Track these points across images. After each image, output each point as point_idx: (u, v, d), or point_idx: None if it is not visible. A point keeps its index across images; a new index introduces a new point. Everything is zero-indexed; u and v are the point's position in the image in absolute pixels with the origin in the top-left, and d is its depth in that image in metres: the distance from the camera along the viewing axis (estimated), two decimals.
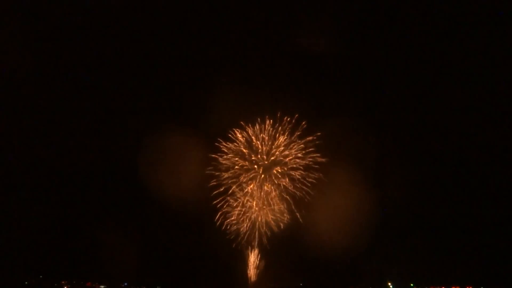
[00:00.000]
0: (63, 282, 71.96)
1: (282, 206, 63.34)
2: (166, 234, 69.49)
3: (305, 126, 63.43)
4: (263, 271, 66.42)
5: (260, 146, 64.33)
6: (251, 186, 64.18)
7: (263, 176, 64.27)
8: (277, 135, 64.09)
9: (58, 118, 71.80)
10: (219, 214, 64.08)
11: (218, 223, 64.25)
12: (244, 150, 64.35)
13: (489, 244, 62.56)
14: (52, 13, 67.77)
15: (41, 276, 72.09)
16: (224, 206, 64.21)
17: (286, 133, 63.91)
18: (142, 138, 67.76)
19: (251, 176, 64.42)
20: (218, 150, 65.02)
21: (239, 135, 64.51)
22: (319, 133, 63.27)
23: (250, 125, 64.20)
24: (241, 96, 62.34)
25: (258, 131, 64.15)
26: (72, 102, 71.47)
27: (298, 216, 62.89)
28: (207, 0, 69.16)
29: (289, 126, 63.69)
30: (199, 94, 67.86)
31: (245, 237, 64.71)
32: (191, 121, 65.50)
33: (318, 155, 63.32)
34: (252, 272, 66.50)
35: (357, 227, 61.32)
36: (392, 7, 67.97)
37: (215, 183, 64.28)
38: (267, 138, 64.22)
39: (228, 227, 64.46)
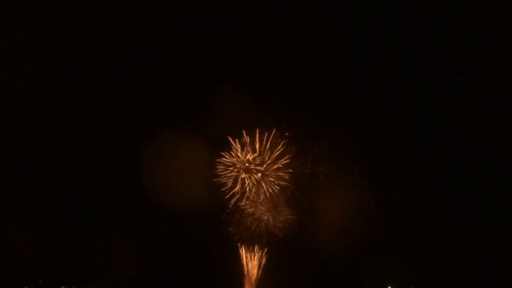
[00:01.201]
0: (63, 287, 71.49)
1: (288, 211, 63.96)
2: (167, 239, 69.49)
3: (308, 134, 64.36)
4: (264, 274, 66.76)
5: (265, 155, 64.91)
6: (255, 191, 64.65)
7: (269, 181, 64.77)
8: (281, 144, 64.80)
9: (59, 120, 71.42)
10: (223, 218, 64.55)
11: (222, 228, 64.76)
12: (250, 158, 64.71)
13: (490, 247, 63.31)
14: (52, 15, 67.47)
15: (40, 281, 71.58)
16: (230, 212, 64.83)
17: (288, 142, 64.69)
18: (143, 142, 67.91)
19: (256, 181, 64.91)
20: (223, 156, 65.46)
21: (245, 140, 64.97)
22: (326, 142, 64.09)
23: (254, 134, 64.80)
24: (246, 105, 62.90)
25: (264, 141, 64.68)
26: (74, 105, 71.41)
27: (305, 222, 63.54)
28: (215, 7, 69.20)
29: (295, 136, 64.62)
30: (206, 103, 67.92)
31: (249, 241, 65.24)
32: (196, 128, 65.74)
33: (323, 168, 64.15)
34: (253, 275, 66.77)
35: (356, 230, 62.03)
36: (388, 11, 68.87)
37: (219, 188, 64.71)
38: (272, 146, 64.85)
39: (232, 231, 65.04)
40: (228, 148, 64.74)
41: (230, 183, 64.43)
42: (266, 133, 63.90)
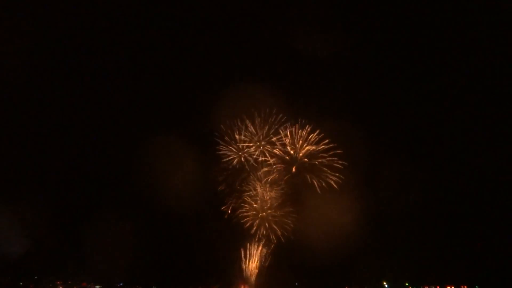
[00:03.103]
0: (58, 282, 71.67)
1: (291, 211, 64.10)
2: (161, 234, 69.63)
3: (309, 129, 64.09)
4: (260, 272, 66.76)
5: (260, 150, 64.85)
6: (256, 189, 64.89)
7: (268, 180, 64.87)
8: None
9: (56, 121, 71.84)
10: (223, 212, 64.85)
11: (217, 224, 64.91)
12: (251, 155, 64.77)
13: (483, 244, 63.51)
14: (52, 18, 67.57)
15: (36, 277, 71.82)
16: (226, 207, 64.98)
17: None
18: (137, 140, 68.12)
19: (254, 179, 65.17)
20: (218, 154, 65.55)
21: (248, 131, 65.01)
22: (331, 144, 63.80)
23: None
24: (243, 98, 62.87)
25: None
26: (70, 106, 71.65)
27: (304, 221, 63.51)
28: (205, 5, 69.14)
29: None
30: (203, 97, 68.22)
31: (249, 239, 65.47)
32: (192, 124, 66.10)
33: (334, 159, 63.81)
34: (249, 273, 66.76)
35: (352, 228, 61.93)
36: (386, 10, 68.59)
37: (215, 184, 64.95)
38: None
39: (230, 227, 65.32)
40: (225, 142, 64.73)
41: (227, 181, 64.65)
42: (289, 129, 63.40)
